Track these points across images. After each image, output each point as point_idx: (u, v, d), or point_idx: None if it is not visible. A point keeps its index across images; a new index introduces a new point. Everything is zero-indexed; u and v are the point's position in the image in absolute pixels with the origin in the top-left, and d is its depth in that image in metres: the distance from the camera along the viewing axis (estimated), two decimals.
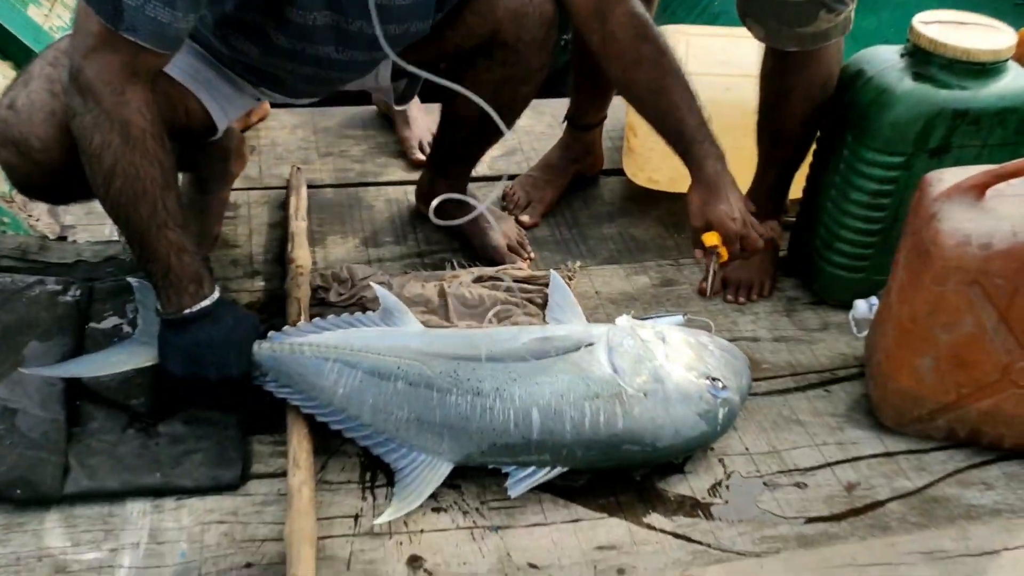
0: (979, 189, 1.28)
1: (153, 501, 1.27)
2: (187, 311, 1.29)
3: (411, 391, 1.32)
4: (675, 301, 1.73)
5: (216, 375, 1.32)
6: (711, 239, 1.49)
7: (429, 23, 1.47)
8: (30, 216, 1.77)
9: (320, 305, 1.64)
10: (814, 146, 1.71)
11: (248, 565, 1.20)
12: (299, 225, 1.75)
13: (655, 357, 1.37)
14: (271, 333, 1.40)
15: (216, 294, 1.33)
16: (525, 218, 1.90)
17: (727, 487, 1.38)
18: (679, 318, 1.52)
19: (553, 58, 1.60)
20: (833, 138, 1.63)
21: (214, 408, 1.38)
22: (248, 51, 1.45)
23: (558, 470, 1.31)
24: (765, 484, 1.39)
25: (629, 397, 1.32)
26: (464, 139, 1.72)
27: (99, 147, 1.23)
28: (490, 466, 1.32)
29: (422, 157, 2.00)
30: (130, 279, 1.48)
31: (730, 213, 1.47)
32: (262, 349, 1.37)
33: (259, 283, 1.69)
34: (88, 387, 1.38)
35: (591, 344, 1.37)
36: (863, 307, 1.64)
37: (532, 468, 1.31)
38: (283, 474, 1.29)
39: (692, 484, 1.38)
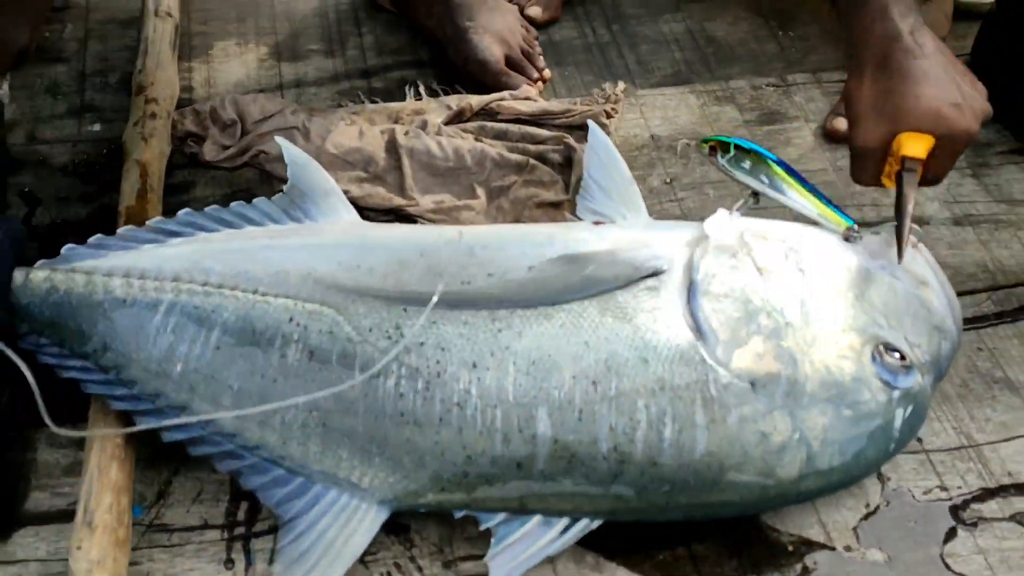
0: None
1: None
2: None
3: (311, 367, 0.70)
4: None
5: None
6: (912, 146, 0.76)
7: None
8: None
9: (191, 166, 0.99)
10: None
11: None
12: (160, 27, 1.05)
13: (779, 304, 0.71)
14: (66, 248, 0.77)
15: None
16: (536, 10, 1.17)
17: (887, 522, 0.76)
18: (845, 219, 0.80)
19: None
20: None
21: None
22: None
23: (584, 525, 0.70)
24: (956, 516, 0.77)
25: (722, 390, 0.68)
26: None
27: None
28: (457, 514, 0.71)
29: None
30: None
31: (951, 98, 0.76)
32: (32, 282, 0.74)
33: (92, 127, 1.02)
34: None
35: (657, 273, 0.72)
36: None
37: (535, 519, 0.69)
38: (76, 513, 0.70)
39: (825, 519, 0.76)
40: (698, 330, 0.69)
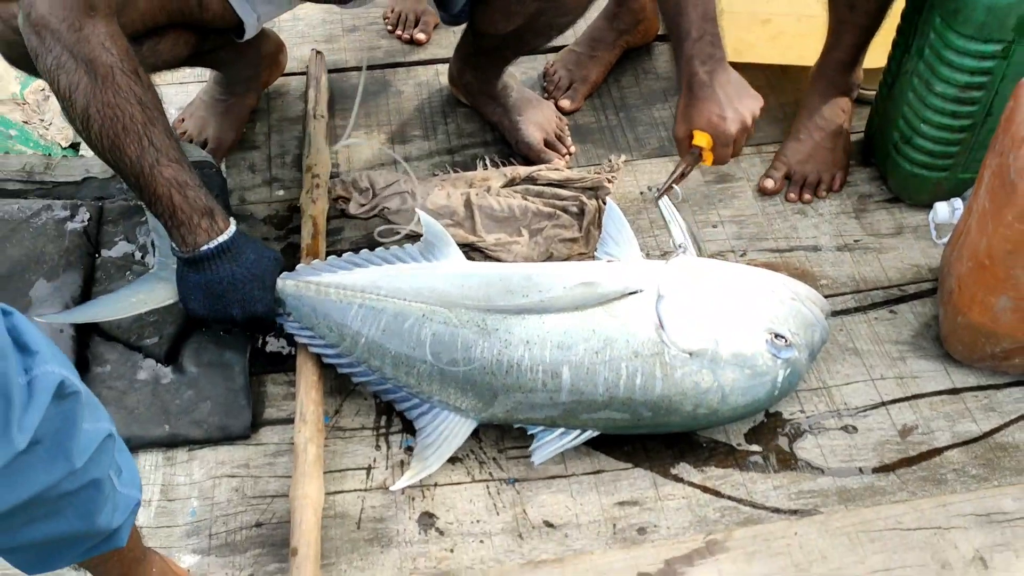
0: None
1: (165, 453, 1.26)
2: (204, 248, 1.21)
3: (435, 342, 1.21)
4: (728, 202, 1.56)
5: (241, 313, 1.25)
6: (700, 139, 1.32)
7: None
8: (42, 121, 1.69)
9: (340, 217, 1.55)
10: (897, 21, 1.45)
11: (258, 524, 1.19)
12: (317, 125, 1.62)
13: (709, 308, 1.21)
14: (299, 266, 1.32)
15: (232, 227, 1.24)
16: (566, 103, 1.71)
17: (767, 432, 1.28)
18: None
19: None
20: (917, 18, 1.37)
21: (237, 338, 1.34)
22: None
23: (588, 434, 1.22)
24: (810, 428, 1.28)
25: (672, 357, 1.18)
26: (497, 48, 1.54)
27: (67, 89, 1.13)
28: (515, 426, 1.24)
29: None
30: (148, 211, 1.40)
31: (720, 111, 1.29)
32: (287, 286, 1.28)
33: (277, 192, 1.59)
34: (100, 326, 1.34)
35: (639, 291, 1.22)
36: (944, 211, 1.44)
37: (560, 430, 1.22)
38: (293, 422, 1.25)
39: (728, 428, 1.28)
40: (660, 324, 1.19)
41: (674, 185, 1.35)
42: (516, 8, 1.34)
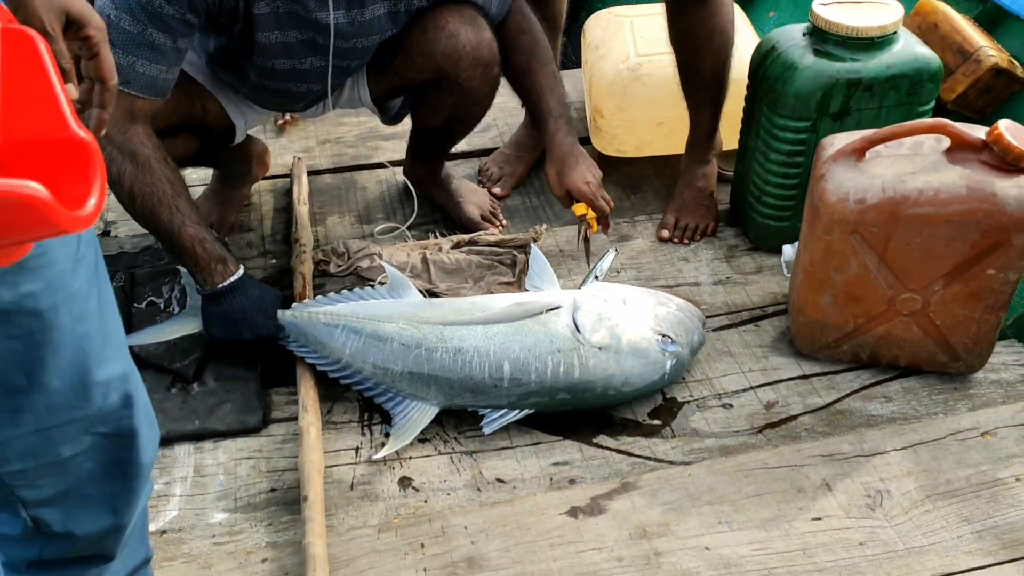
0: (858, 152, 1.52)
1: (196, 444, 1.58)
2: (219, 286, 1.58)
3: (404, 350, 1.59)
4: (628, 254, 2.00)
5: (250, 335, 1.62)
6: (580, 209, 1.77)
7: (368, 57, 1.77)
8: None
9: (322, 276, 1.93)
10: (741, 115, 1.95)
11: (272, 490, 1.51)
12: (301, 210, 2.02)
13: (613, 316, 1.61)
14: (294, 304, 1.69)
15: (241, 271, 1.62)
16: (497, 190, 2.16)
17: (665, 410, 1.66)
18: (611, 254, 1.79)
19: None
20: (752, 108, 1.87)
21: (249, 359, 1.69)
22: (231, 82, 1.74)
23: (525, 412, 1.59)
24: (697, 406, 1.66)
25: (586, 351, 1.57)
26: (434, 139, 1.99)
27: (117, 176, 1.53)
28: (469, 409, 1.60)
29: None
30: (179, 267, 1.77)
31: (584, 178, 1.76)
32: (285, 316, 1.65)
33: (271, 261, 1.98)
34: (138, 355, 1.67)
35: (558, 307, 1.62)
36: (789, 251, 1.89)
37: (504, 410, 1.59)
38: (297, 418, 1.59)
39: (635, 409, 1.66)
40: (576, 328, 1.59)
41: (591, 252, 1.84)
42: (439, 104, 1.80)
